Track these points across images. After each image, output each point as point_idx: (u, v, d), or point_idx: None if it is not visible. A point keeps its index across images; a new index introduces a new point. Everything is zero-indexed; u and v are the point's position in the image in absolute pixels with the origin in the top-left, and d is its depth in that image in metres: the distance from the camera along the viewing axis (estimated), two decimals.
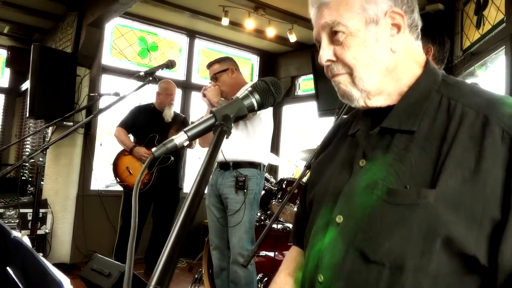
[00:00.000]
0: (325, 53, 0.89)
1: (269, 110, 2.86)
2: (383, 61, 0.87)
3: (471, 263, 0.74)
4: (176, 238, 0.53)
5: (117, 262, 2.52)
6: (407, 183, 0.79)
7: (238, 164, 2.73)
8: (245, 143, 2.72)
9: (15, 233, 0.76)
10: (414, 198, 0.76)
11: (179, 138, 0.76)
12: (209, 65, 2.95)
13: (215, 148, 0.69)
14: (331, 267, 0.84)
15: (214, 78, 2.87)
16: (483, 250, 0.73)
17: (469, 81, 2.76)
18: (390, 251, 0.77)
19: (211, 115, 0.80)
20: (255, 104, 0.84)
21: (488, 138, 0.75)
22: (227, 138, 0.75)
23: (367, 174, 0.86)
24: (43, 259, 0.64)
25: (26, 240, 0.75)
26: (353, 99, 0.89)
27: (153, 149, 0.75)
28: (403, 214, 0.77)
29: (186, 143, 0.78)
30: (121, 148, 4.10)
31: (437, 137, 0.80)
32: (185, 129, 0.78)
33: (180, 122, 4.24)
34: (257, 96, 0.84)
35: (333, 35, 0.87)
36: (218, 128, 0.75)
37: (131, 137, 4.15)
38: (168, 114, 4.13)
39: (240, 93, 0.88)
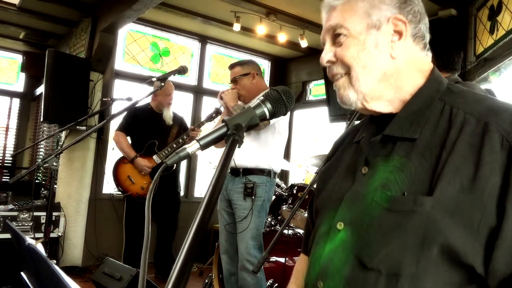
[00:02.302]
0: (326, 55, 0.92)
1: (285, 118, 2.81)
2: (381, 65, 0.88)
3: (469, 272, 0.74)
4: (189, 248, 0.53)
5: (128, 266, 2.53)
6: (406, 190, 0.79)
7: (248, 171, 2.71)
8: (255, 150, 2.71)
9: (30, 240, 0.77)
10: (411, 205, 0.76)
11: (192, 147, 0.77)
12: (231, 67, 2.90)
13: (227, 157, 0.70)
14: (330, 274, 0.84)
15: (234, 81, 2.83)
16: (479, 258, 0.72)
17: (483, 87, 2.72)
18: (387, 258, 0.77)
19: (223, 123, 0.80)
20: (267, 113, 0.85)
21: (487, 145, 0.74)
22: (239, 147, 0.75)
23: (368, 181, 0.86)
24: (56, 267, 0.65)
25: (40, 248, 0.76)
26: (351, 102, 0.91)
27: (155, 161, 0.76)
28: (400, 221, 0.77)
29: (198, 152, 0.79)
30: (119, 154, 4.05)
31: (437, 144, 0.80)
32: (197, 138, 0.79)
33: (179, 123, 4.20)
34: (269, 105, 0.85)
35: (335, 37, 0.91)
36: (230, 137, 0.75)
37: (128, 139, 4.07)
38: (168, 116, 4.08)
39: (253, 102, 0.88)
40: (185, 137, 3.86)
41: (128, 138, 4.06)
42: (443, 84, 0.89)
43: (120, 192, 4.08)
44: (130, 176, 3.96)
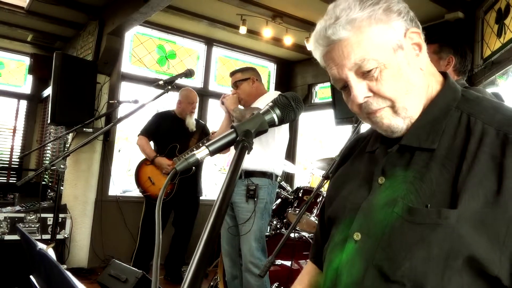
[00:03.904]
0: (360, 91, 0.85)
1: None
2: (418, 82, 0.85)
3: (495, 284, 0.73)
4: (201, 256, 0.53)
5: (134, 268, 2.54)
6: (428, 202, 0.78)
7: (250, 173, 2.75)
8: (257, 153, 2.73)
9: (41, 245, 0.78)
10: (435, 218, 0.75)
11: (201, 153, 0.77)
12: (232, 73, 3.05)
13: (237, 164, 0.69)
14: (349, 286, 0.83)
15: (235, 85, 2.97)
16: (506, 271, 0.72)
17: (489, 90, 2.71)
18: (411, 270, 0.76)
19: (232, 130, 0.80)
20: (276, 119, 0.85)
21: (509, 158, 0.73)
22: (248, 153, 0.75)
23: (386, 191, 0.85)
24: (68, 273, 0.66)
25: (51, 253, 0.76)
26: (398, 129, 0.87)
27: (176, 163, 0.76)
28: (424, 234, 0.76)
29: (207, 158, 0.79)
30: (142, 156, 4.13)
31: (457, 155, 0.79)
32: (206, 144, 0.78)
33: (201, 130, 4.26)
34: (278, 111, 0.85)
35: (362, 71, 0.84)
36: (239, 144, 0.75)
37: (152, 144, 4.16)
38: (191, 123, 4.16)
39: (261, 106, 0.88)
40: (205, 142, 3.90)
41: (152, 144, 4.14)
42: (458, 91, 0.88)
43: (141, 193, 4.13)
44: (150, 177, 4.03)
